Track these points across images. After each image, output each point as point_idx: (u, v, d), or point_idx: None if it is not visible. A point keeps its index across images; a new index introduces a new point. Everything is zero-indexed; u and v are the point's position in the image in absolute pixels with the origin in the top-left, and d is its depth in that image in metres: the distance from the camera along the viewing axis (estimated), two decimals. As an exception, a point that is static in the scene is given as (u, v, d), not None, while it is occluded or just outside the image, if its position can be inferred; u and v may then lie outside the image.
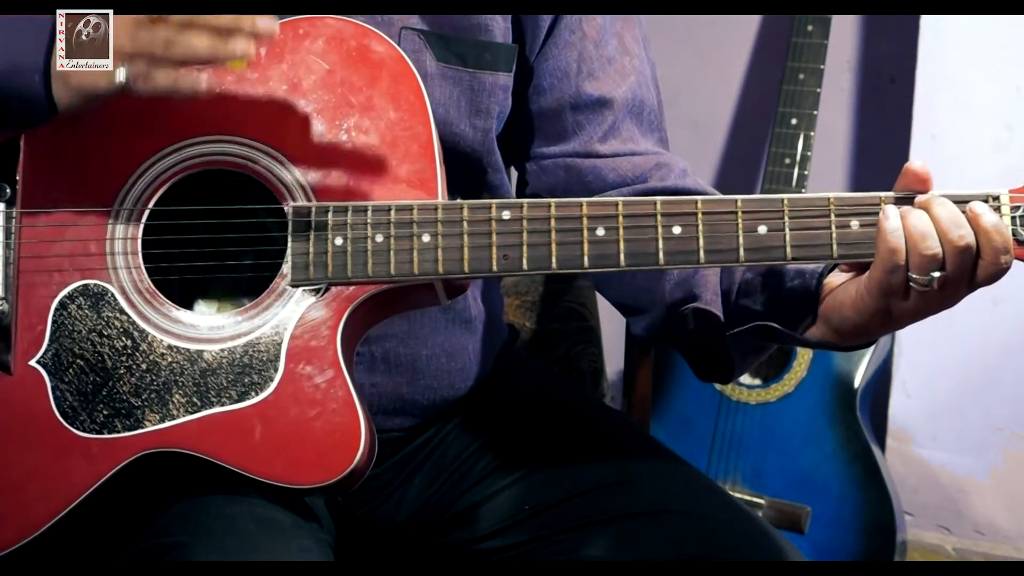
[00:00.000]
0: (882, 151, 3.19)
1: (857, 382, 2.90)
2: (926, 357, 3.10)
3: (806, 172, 2.91)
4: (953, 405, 3.11)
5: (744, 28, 3.30)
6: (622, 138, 1.70)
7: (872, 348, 2.87)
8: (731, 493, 1.80)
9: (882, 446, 3.09)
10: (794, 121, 2.93)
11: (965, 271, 1.35)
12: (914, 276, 1.35)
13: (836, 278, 1.47)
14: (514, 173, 1.83)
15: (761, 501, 2.95)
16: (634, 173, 1.68)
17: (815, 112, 2.93)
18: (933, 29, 2.96)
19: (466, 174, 1.66)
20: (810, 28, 2.94)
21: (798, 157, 2.92)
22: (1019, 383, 3.04)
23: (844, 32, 3.16)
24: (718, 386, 2.99)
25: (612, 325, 2.14)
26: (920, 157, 2.91)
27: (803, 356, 2.93)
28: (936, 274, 1.34)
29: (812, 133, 2.93)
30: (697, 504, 1.67)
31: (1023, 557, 3.12)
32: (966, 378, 3.08)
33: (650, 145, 1.72)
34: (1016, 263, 1.37)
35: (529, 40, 1.69)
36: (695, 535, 1.62)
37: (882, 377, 3.09)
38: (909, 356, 3.11)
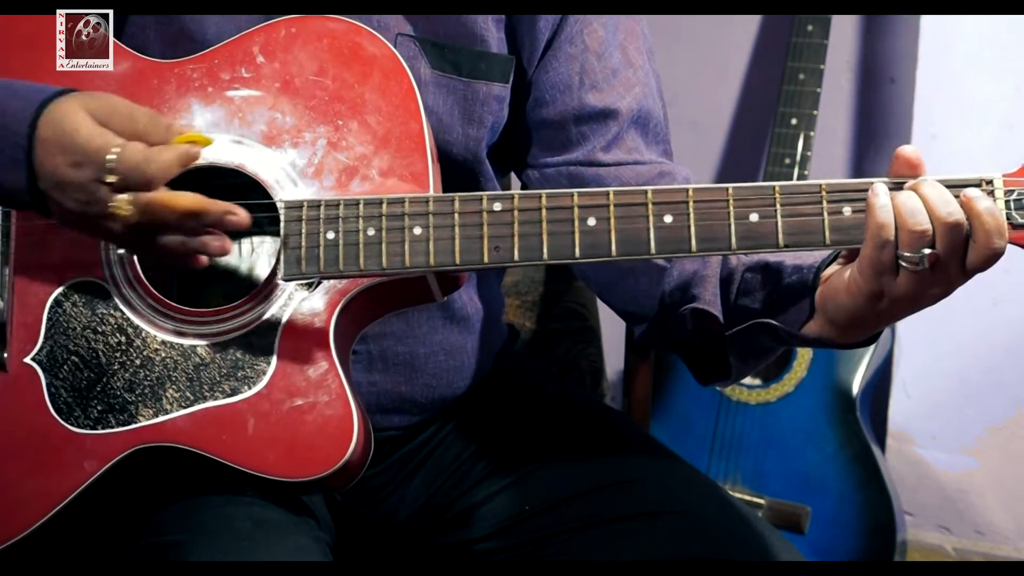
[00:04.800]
0: (882, 151, 3.19)
1: (857, 382, 2.90)
2: (926, 357, 3.10)
3: (806, 172, 2.91)
4: (953, 405, 3.11)
5: (744, 28, 3.30)
6: (626, 148, 1.70)
7: (872, 348, 2.87)
8: (731, 493, 1.80)
9: (882, 446, 3.09)
10: (794, 121, 2.93)
11: (956, 250, 1.35)
12: (904, 253, 1.34)
13: (833, 269, 1.47)
14: (516, 181, 1.83)
15: (761, 501, 2.94)
16: (637, 181, 1.68)
17: (815, 112, 2.92)
18: (933, 29, 2.97)
19: (458, 182, 1.66)
20: (810, 28, 2.94)
21: (798, 157, 2.91)
22: (1019, 383, 3.04)
23: (844, 32, 3.16)
24: (718, 387, 2.99)
25: (612, 325, 2.14)
26: (919, 156, 2.91)
27: (803, 356, 2.93)
28: (926, 251, 1.34)
29: (812, 133, 2.93)
30: (697, 504, 1.66)
31: (1023, 557, 3.12)
32: (966, 378, 3.07)
33: (654, 156, 1.72)
34: (1010, 248, 1.36)
35: (526, 53, 1.69)
36: (695, 535, 1.62)
37: (882, 377, 3.09)
38: (909, 356, 3.11)
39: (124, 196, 1.37)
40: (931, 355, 3.09)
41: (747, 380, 2.97)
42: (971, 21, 2.89)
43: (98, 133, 1.37)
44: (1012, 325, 2.97)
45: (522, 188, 1.79)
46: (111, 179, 1.36)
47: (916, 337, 3.08)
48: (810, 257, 1.49)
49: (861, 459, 2.88)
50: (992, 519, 3.17)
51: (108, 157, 1.36)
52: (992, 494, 3.15)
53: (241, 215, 1.41)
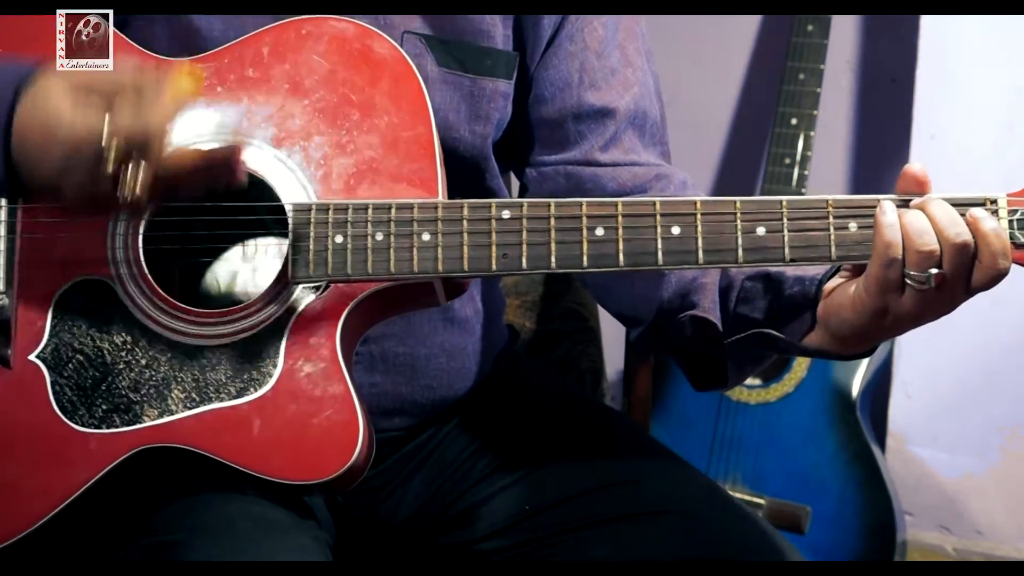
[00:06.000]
0: (882, 151, 3.20)
1: (857, 383, 2.90)
2: (926, 357, 3.10)
3: (806, 172, 2.91)
4: (953, 405, 3.12)
5: (744, 28, 3.30)
6: (623, 148, 1.70)
7: (871, 350, 2.88)
8: (731, 493, 1.80)
9: (882, 446, 3.09)
10: (794, 121, 2.93)
11: (963, 270, 1.35)
12: (911, 273, 1.35)
13: (835, 282, 1.47)
14: (515, 181, 1.83)
15: (761, 501, 2.95)
16: (634, 183, 1.68)
17: (815, 112, 2.93)
18: (933, 29, 2.97)
19: (465, 179, 1.66)
20: (810, 28, 2.94)
21: (798, 157, 2.92)
22: (1019, 383, 3.04)
23: (844, 32, 3.16)
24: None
25: (612, 325, 2.14)
26: (920, 157, 2.92)
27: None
28: (934, 271, 1.34)
29: (812, 133, 2.93)
30: (697, 504, 1.66)
31: (1023, 557, 3.12)
32: (966, 378, 3.08)
33: (651, 157, 1.72)
34: (1014, 267, 1.37)
35: (529, 49, 1.69)
36: (695, 535, 1.62)
37: (882, 377, 3.09)
38: (909, 356, 3.11)
39: (130, 176, 1.33)
40: (931, 355, 3.09)
41: (747, 380, 2.97)
42: (971, 21, 2.89)
43: (81, 114, 1.33)
44: (1012, 325, 2.97)
45: (520, 189, 1.79)
46: (112, 154, 1.33)
47: (916, 337, 3.04)
48: (811, 268, 1.49)
49: (861, 459, 2.89)
50: (992, 519, 3.17)
51: (103, 131, 1.32)
52: (992, 494, 3.15)
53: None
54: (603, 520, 1.67)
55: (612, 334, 2.23)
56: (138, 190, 1.34)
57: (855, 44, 3.21)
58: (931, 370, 3.11)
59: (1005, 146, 2.91)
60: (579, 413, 1.85)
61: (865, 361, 2.91)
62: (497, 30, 1.66)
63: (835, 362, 2.91)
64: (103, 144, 1.32)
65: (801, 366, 2.94)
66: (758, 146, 3.26)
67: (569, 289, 2.19)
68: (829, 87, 2.99)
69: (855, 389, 2.90)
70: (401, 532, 1.77)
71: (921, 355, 3.10)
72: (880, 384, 3.10)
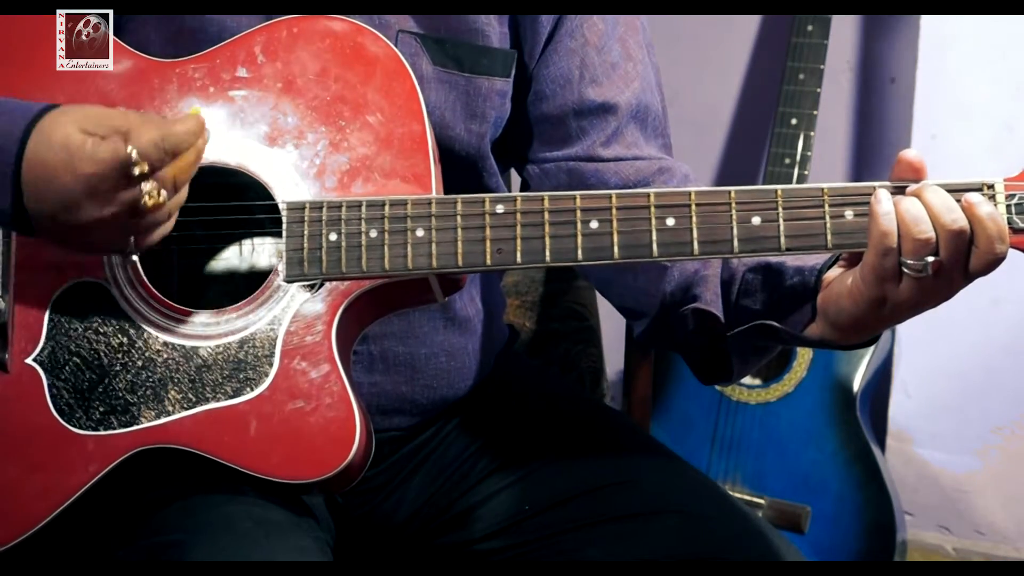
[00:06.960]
0: (882, 151, 3.19)
1: (857, 382, 2.90)
2: (926, 357, 3.10)
3: (806, 172, 2.91)
4: (953, 405, 3.11)
5: (744, 28, 3.29)
6: (625, 143, 1.69)
7: (872, 348, 2.87)
8: (731, 493, 1.79)
9: (882, 446, 3.09)
10: (794, 121, 2.92)
11: (959, 256, 1.34)
12: (908, 261, 1.34)
13: (834, 272, 1.47)
14: (516, 178, 1.83)
15: (761, 501, 2.94)
16: (636, 177, 1.68)
17: (815, 112, 2.92)
18: (933, 29, 2.97)
19: (463, 178, 1.66)
20: (810, 28, 2.93)
21: (798, 157, 2.91)
22: (1019, 383, 3.04)
23: (844, 32, 3.15)
24: (718, 386, 2.99)
25: (612, 325, 2.14)
26: (919, 157, 2.91)
27: (803, 356, 2.93)
28: (930, 259, 1.34)
29: (812, 133, 2.92)
30: (697, 504, 1.66)
31: (1023, 557, 3.12)
32: (966, 378, 3.08)
33: (653, 151, 1.72)
34: (1012, 252, 1.36)
35: (528, 46, 1.69)
36: (695, 535, 1.62)
37: (882, 377, 3.09)
38: (909, 356, 3.11)
39: (151, 184, 1.35)
40: (931, 355, 3.09)
41: (747, 380, 2.97)
42: (971, 21, 2.89)
43: (100, 141, 1.35)
44: (1012, 324, 2.97)
45: (522, 184, 1.79)
46: (137, 170, 1.33)
47: (916, 337, 3.08)
48: (811, 259, 1.49)
49: (861, 459, 2.88)
50: (992, 519, 3.17)
51: (130, 154, 1.33)
52: (992, 494, 3.15)
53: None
54: (602, 520, 1.67)
55: (612, 334, 2.23)
56: (171, 206, 1.38)
57: (855, 44, 3.20)
58: (931, 370, 3.11)
59: (1005, 146, 2.91)
60: (579, 413, 1.85)
61: (865, 361, 2.90)
62: (493, 28, 1.66)
63: (835, 362, 2.91)
64: (132, 163, 1.33)
65: (801, 366, 2.93)
66: (758, 146, 3.26)
67: (569, 289, 2.19)
68: (829, 87, 2.99)
69: (855, 388, 2.90)
70: (401, 532, 1.77)
71: (921, 355, 3.10)
72: (880, 384, 3.10)
